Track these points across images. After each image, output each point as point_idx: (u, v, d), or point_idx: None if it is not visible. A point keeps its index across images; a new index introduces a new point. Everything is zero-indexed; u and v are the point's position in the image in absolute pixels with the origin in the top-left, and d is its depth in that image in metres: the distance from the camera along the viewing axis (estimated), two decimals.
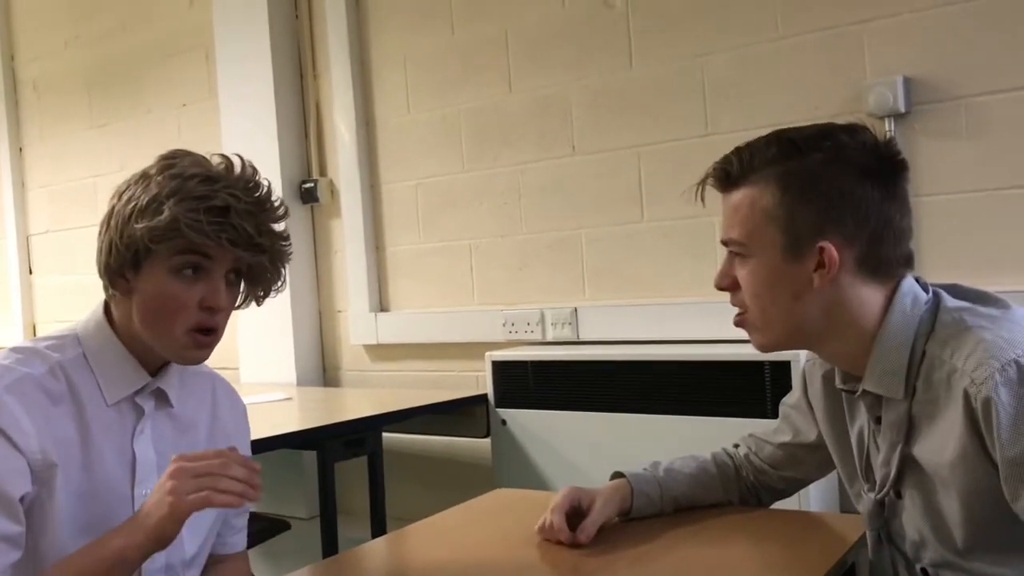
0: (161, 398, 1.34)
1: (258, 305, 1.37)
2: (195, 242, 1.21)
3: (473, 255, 3.12)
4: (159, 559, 1.29)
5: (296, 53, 3.48)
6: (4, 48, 4.50)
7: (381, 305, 3.33)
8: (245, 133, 3.47)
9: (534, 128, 2.95)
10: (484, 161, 3.07)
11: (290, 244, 1.33)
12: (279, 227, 1.30)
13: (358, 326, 3.35)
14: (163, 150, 1.31)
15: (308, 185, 3.42)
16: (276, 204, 1.30)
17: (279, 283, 1.35)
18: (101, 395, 1.28)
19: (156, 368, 1.33)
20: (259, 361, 3.53)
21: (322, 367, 3.52)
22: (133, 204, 1.23)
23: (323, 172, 3.45)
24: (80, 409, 1.25)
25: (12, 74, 4.51)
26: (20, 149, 4.50)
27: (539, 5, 2.92)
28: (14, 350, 1.25)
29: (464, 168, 3.11)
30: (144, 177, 1.26)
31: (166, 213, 1.20)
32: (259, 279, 1.32)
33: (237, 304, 1.33)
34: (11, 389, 1.19)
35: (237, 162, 1.29)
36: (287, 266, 1.34)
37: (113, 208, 1.26)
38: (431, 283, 3.21)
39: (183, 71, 3.82)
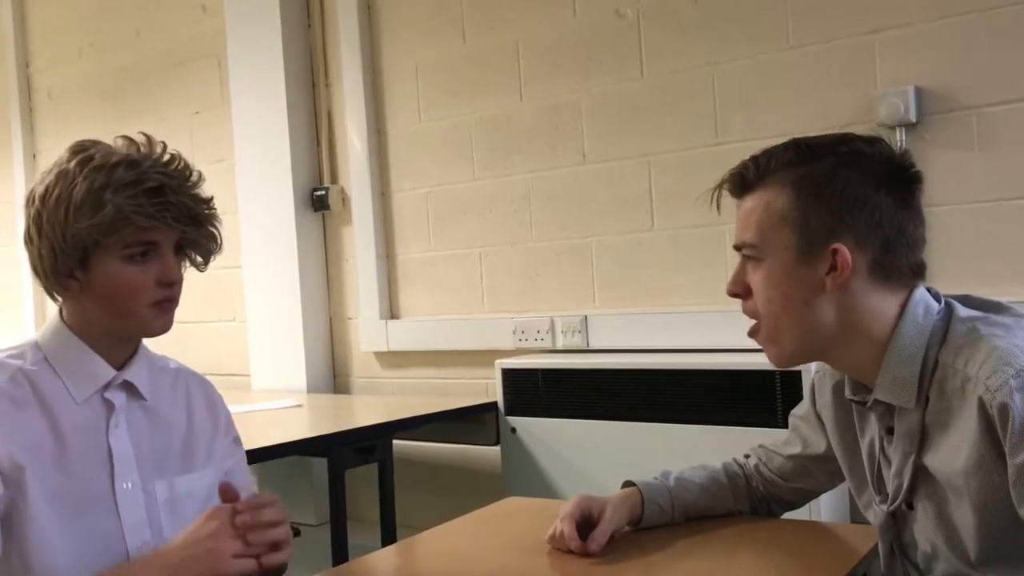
0: (131, 391, 1.35)
1: (200, 271, 1.39)
2: (142, 227, 1.23)
3: (483, 263, 3.12)
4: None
5: (308, 61, 3.50)
6: (19, 56, 4.53)
7: (391, 312, 3.34)
8: (257, 141, 3.49)
9: (545, 136, 2.96)
10: (495, 169, 3.07)
11: (215, 207, 1.35)
12: (204, 194, 1.33)
13: (368, 333, 3.36)
14: None
15: (319, 193, 3.44)
16: (195, 172, 1.33)
17: (217, 247, 1.37)
18: (69, 395, 1.29)
19: (121, 362, 1.34)
20: (270, 368, 3.54)
21: (332, 374, 3.53)
22: (65, 204, 1.23)
23: (334, 180, 3.47)
24: (48, 411, 1.27)
25: (27, 82, 4.55)
26: (34, 156, 4.53)
27: (550, 14, 2.93)
28: None
29: (475, 176, 3.12)
30: (63, 175, 1.26)
31: (108, 206, 1.21)
32: (200, 247, 1.35)
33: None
34: None
35: (142, 139, 1.31)
36: (220, 229, 1.37)
37: (40, 213, 1.26)
38: (441, 291, 3.22)
39: (196, 79, 3.84)
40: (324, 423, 2.82)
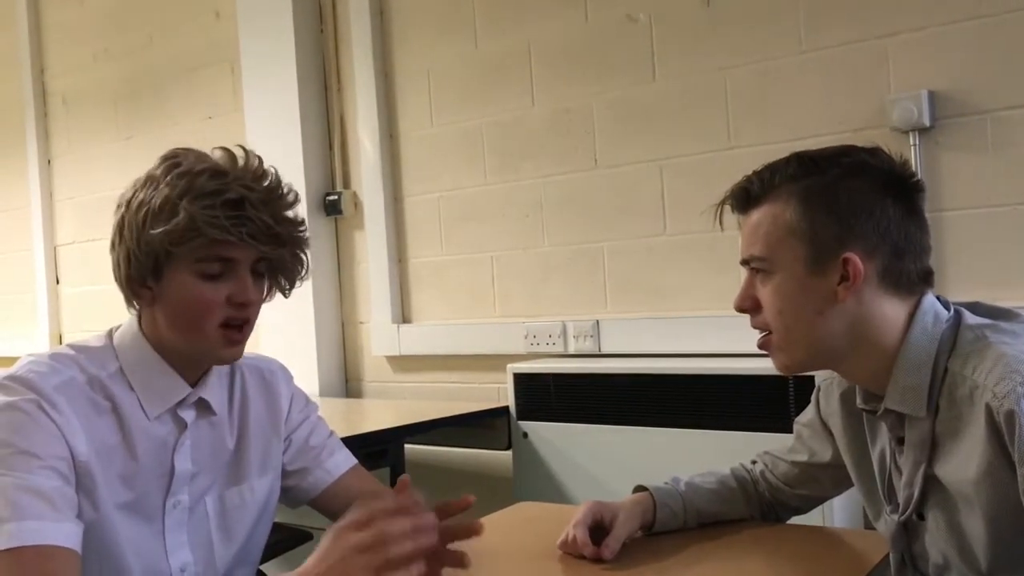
0: (203, 406, 1.32)
1: (285, 296, 1.34)
2: (215, 240, 1.18)
3: (495, 267, 3.12)
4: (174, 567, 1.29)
5: (321, 66, 3.51)
6: (34, 62, 4.56)
7: (403, 317, 3.34)
8: (270, 145, 3.49)
9: (556, 141, 2.96)
10: (506, 174, 3.08)
11: (306, 230, 1.30)
12: (293, 214, 1.27)
13: (380, 337, 3.36)
14: None
15: (332, 197, 3.44)
16: (287, 191, 1.27)
17: (303, 272, 1.32)
18: (142, 410, 1.26)
19: (196, 378, 1.30)
20: None
21: (344, 378, 3.53)
22: (145, 209, 1.20)
23: (347, 184, 3.47)
24: (124, 424, 1.24)
25: (42, 87, 4.58)
26: (49, 161, 4.56)
27: (562, 19, 2.93)
28: (52, 357, 1.23)
29: (486, 181, 3.12)
30: (150, 180, 1.23)
31: (182, 213, 1.17)
32: (283, 270, 1.30)
33: (263, 296, 1.31)
34: (60, 389, 1.18)
35: (240, 153, 1.26)
36: (308, 254, 1.31)
37: (123, 217, 1.23)
38: (453, 295, 3.22)
39: (209, 84, 3.86)
40: (335, 427, 2.78)
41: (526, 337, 2.99)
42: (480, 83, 3.12)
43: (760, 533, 1.47)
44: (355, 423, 2.88)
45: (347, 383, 3.53)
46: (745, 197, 1.22)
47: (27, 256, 4.65)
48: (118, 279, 1.26)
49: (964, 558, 1.15)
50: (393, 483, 2.77)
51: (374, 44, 3.31)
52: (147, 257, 1.21)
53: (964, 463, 1.11)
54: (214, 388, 1.33)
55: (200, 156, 1.25)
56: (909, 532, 1.24)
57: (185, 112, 3.94)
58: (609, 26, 2.84)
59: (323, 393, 3.43)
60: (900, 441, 1.21)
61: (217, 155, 1.26)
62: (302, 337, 3.45)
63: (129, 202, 1.23)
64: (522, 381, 2.75)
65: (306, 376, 3.45)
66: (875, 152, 1.19)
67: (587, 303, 2.92)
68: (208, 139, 3.83)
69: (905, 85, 2.35)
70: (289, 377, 1.51)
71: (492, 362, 3.05)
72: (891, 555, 1.28)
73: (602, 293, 2.89)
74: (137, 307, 1.28)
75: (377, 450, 2.56)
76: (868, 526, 1.40)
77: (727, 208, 1.25)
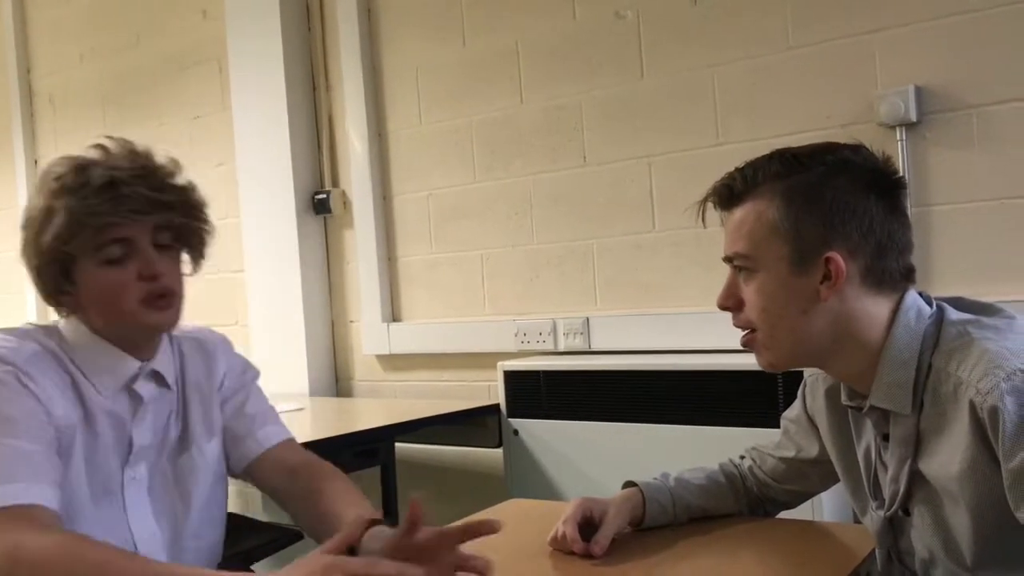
0: (159, 380, 1.35)
1: (196, 263, 1.36)
2: (104, 226, 1.22)
3: (485, 265, 3.12)
4: (151, 544, 1.31)
5: (308, 65, 3.50)
6: (21, 61, 4.54)
7: (393, 315, 3.34)
8: (258, 144, 3.49)
9: (545, 139, 2.96)
10: (495, 172, 3.08)
11: (197, 192, 1.32)
12: (180, 181, 1.30)
13: (370, 336, 3.36)
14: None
15: (321, 196, 3.44)
16: (165, 163, 1.30)
17: (208, 233, 1.34)
18: (94, 387, 1.29)
19: (148, 352, 1.33)
20: (272, 371, 3.51)
21: (335, 377, 3.53)
22: (33, 223, 1.26)
23: (335, 183, 3.47)
24: (82, 397, 1.27)
25: (28, 87, 4.56)
26: (36, 161, 4.54)
27: (550, 16, 2.93)
28: (10, 332, 1.27)
29: (476, 179, 3.12)
30: (30, 198, 1.29)
31: (61, 213, 1.21)
32: (185, 236, 1.32)
33: (178, 267, 1.33)
34: (31, 362, 1.22)
35: (110, 143, 1.30)
36: (207, 215, 1.34)
37: (23, 239, 1.29)
38: (443, 293, 3.22)
39: (196, 83, 3.85)
40: (326, 426, 2.82)
41: (516, 335, 3.00)
42: (469, 81, 3.11)
43: (749, 528, 1.48)
44: (346, 422, 2.88)
45: (337, 382, 3.53)
46: (728, 194, 1.21)
47: (15, 257, 4.62)
48: (43, 296, 1.30)
49: (949, 553, 1.15)
50: (385, 481, 2.79)
51: (362, 42, 3.31)
52: (50, 266, 1.25)
53: (948, 459, 1.11)
54: (165, 361, 1.36)
55: (67, 158, 1.28)
56: (895, 527, 1.24)
57: (172, 112, 3.93)
58: (597, 24, 2.84)
59: (313, 392, 3.43)
60: (885, 437, 1.21)
61: (90, 152, 1.29)
62: (292, 336, 3.45)
63: (23, 224, 1.29)
64: (512, 379, 2.75)
65: (296, 376, 3.45)
66: (858, 149, 1.19)
67: (577, 300, 2.92)
68: (195, 139, 3.83)
69: (892, 80, 2.36)
70: (229, 347, 1.53)
71: (482, 360, 3.06)
72: (877, 550, 1.29)
73: (592, 290, 2.90)
74: (70, 315, 1.31)
75: (368, 449, 2.56)
76: (857, 520, 1.40)
77: (711, 205, 1.25)
